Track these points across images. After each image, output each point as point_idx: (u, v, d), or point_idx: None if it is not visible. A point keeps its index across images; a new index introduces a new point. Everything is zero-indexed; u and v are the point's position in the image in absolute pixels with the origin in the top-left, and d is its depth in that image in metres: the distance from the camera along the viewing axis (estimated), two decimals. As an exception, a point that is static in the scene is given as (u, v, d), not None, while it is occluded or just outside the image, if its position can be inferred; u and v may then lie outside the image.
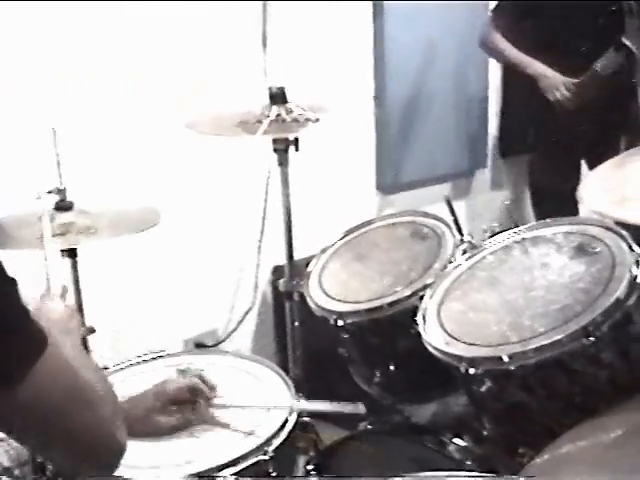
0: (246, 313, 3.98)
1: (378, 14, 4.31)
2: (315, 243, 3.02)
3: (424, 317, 2.33)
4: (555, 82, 4.08)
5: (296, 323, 3.13)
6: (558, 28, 4.11)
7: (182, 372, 2.32)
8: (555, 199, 3.99)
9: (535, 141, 4.38)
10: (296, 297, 3.04)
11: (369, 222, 3.01)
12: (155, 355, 2.51)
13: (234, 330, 3.95)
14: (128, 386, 2.25)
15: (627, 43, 3.79)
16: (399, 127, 4.50)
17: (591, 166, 4.01)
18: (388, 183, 4.52)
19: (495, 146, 5.16)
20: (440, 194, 4.67)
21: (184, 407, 2.10)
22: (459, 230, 2.71)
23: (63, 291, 1.87)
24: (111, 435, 1.30)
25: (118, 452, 1.31)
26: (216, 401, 2.15)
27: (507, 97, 4.84)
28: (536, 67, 4.17)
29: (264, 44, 3.78)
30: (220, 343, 3.90)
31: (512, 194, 5.26)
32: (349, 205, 4.20)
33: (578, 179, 4.01)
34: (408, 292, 2.52)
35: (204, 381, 2.14)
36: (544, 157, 4.40)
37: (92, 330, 2.10)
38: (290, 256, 3.07)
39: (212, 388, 2.14)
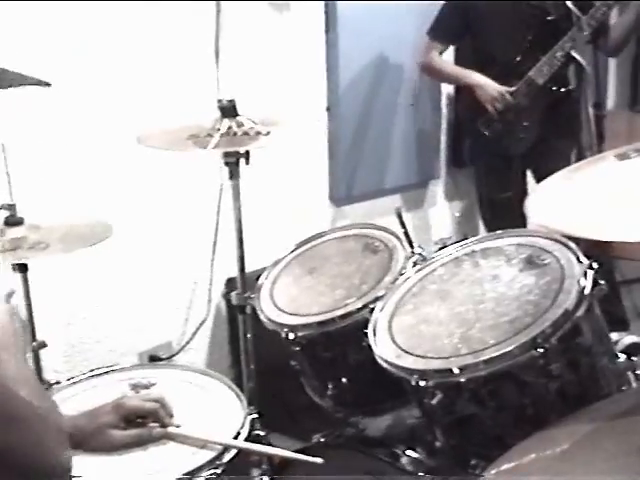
0: (200, 326, 3.97)
1: (331, 26, 4.31)
2: (269, 255, 3.02)
3: (375, 330, 2.34)
4: (492, 91, 4.14)
5: (249, 336, 3.11)
6: (495, 43, 4.18)
7: (135, 387, 2.31)
8: (502, 210, 4.05)
9: (482, 152, 4.41)
10: (248, 310, 3.02)
11: (320, 235, 3.01)
12: (108, 369, 2.49)
13: (188, 343, 3.93)
14: (81, 400, 2.24)
15: (576, 57, 3.83)
16: (352, 139, 4.51)
17: (538, 177, 4.06)
18: (341, 195, 4.52)
19: (448, 157, 5.17)
20: (393, 205, 4.71)
21: (140, 424, 2.08)
22: (410, 243, 2.72)
23: (8, 295, 1.84)
24: (50, 454, 1.27)
25: (60, 471, 1.29)
26: (172, 427, 2.12)
27: (459, 108, 4.86)
28: (473, 77, 4.25)
29: (216, 57, 3.77)
30: (174, 356, 3.88)
31: (465, 205, 5.29)
32: (302, 217, 4.20)
33: (525, 190, 4.06)
34: (359, 305, 2.52)
35: (163, 405, 2.12)
36: (490, 168, 4.43)
37: (43, 345, 2.09)
38: (242, 269, 3.05)
39: (170, 414, 2.12)
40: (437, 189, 5.21)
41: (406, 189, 4.94)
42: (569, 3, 3.72)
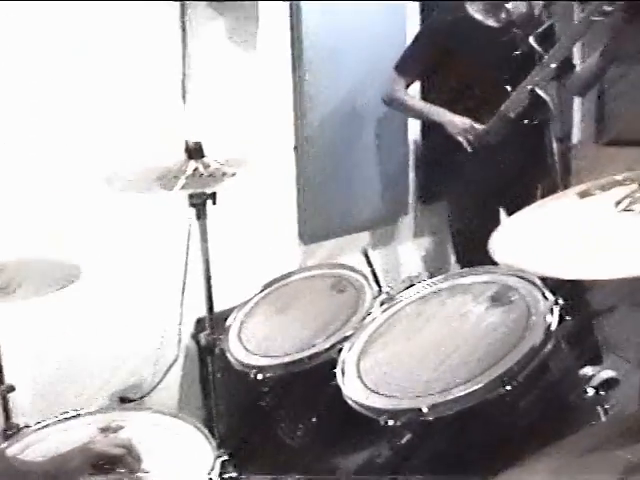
0: (170, 366, 3.95)
1: (297, 65, 4.33)
2: (240, 294, 3.02)
3: (343, 370, 2.34)
4: (463, 127, 4.14)
5: (219, 376, 3.10)
6: (464, 78, 4.19)
7: (104, 431, 2.30)
8: (475, 246, 4.02)
9: (454, 188, 4.42)
10: (218, 350, 3.02)
11: (288, 275, 3.03)
12: (77, 412, 2.48)
13: (159, 383, 3.91)
14: (50, 445, 2.22)
15: (540, 93, 3.86)
16: (320, 176, 4.51)
17: (509, 213, 4.08)
18: (310, 233, 4.52)
19: (417, 193, 5.19)
20: (363, 242, 4.74)
21: (108, 470, 2.06)
22: (377, 282, 2.73)
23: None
24: None
25: None
26: (140, 473, 2.11)
27: (428, 144, 4.87)
28: (442, 114, 4.24)
29: (183, 97, 3.78)
30: (145, 396, 3.86)
31: (435, 241, 5.31)
32: (272, 255, 4.20)
33: (497, 226, 4.05)
34: (327, 345, 2.53)
35: (131, 450, 2.10)
36: (463, 204, 4.44)
37: (12, 388, 2.07)
38: (210, 309, 3.05)
39: (138, 459, 2.10)
40: (406, 225, 5.23)
41: (375, 226, 4.95)
42: (531, 40, 3.75)
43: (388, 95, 4.40)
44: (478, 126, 4.10)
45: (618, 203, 1.90)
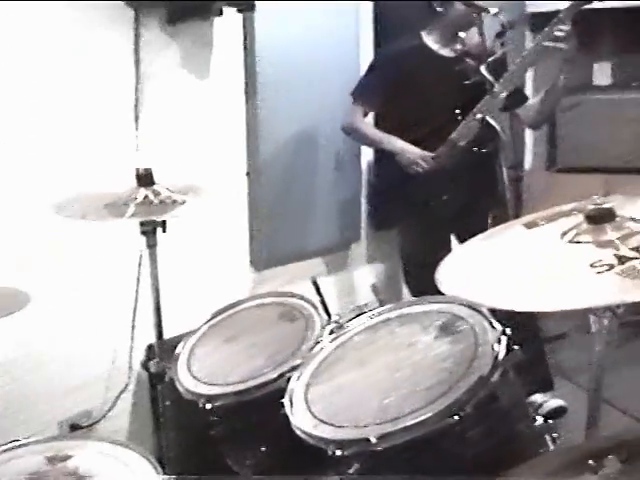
0: (120, 393, 3.92)
1: (251, 92, 4.34)
2: (192, 320, 3.01)
3: (291, 400, 2.33)
4: (414, 156, 4.16)
5: (168, 405, 3.09)
6: (417, 106, 4.23)
7: (52, 460, 2.28)
8: (425, 275, 4.02)
9: (405, 215, 4.44)
10: (167, 379, 3.00)
11: (237, 303, 3.02)
12: (24, 441, 2.45)
13: (109, 410, 3.88)
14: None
15: (491, 122, 3.89)
16: (273, 203, 4.51)
17: (461, 241, 4.09)
18: (262, 259, 4.51)
19: (370, 220, 5.20)
20: (316, 268, 4.74)
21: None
22: (327, 311, 2.73)
23: None
24: None
25: None
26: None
27: (380, 172, 4.87)
28: (394, 143, 4.27)
29: (136, 123, 3.77)
30: (95, 424, 3.83)
31: (388, 267, 5.32)
32: (224, 281, 4.19)
33: (447, 254, 4.07)
34: (275, 374, 2.53)
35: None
36: (414, 232, 4.46)
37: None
38: (160, 336, 3.04)
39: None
40: (359, 251, 5.24)
41: (328, 252, 4.95)
42: (483, 69, 3.78)
43: (346, 124, 4.42)
44: (428, 154, 4.12)
45: (564, 234, 1.92)
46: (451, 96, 4.18)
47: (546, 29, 3.92)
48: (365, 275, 5.20)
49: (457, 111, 4.12)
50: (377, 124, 4.50)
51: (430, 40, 4.30)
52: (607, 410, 2.81)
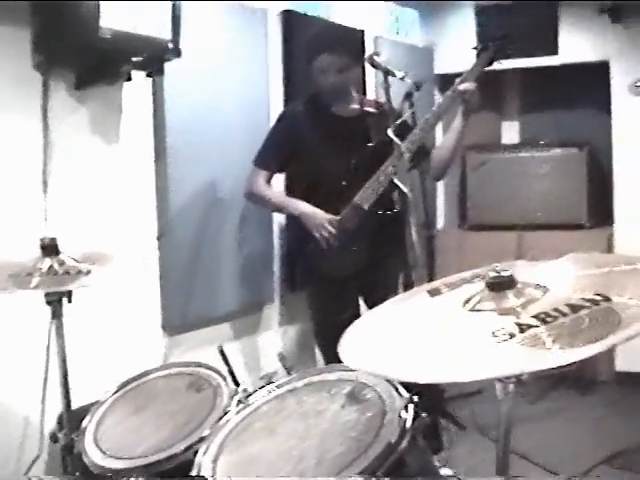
0: (32, 463, 3.84)
1: (160, 155, 4.33)
2: (103, 387, 2.98)
3: (199, 472, 2.30)
4: (318, 220, 4.18)
5: (78, 477, 3.03)
6: (320, 169, 4.26)
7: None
8: (335, 339, 3.99)
9: (313, 278, 4.44)
10: (76, 450, 2.95)
11: (145, 373, 2.98)
12: None
13: (21, 481, 3.81)
14: None
15: (399, 184, 3.92)
16: (184, 266, 4.49)
17: (370, 304, 4.10)
18: (174, 323, 4.47)
19: (282, 281, 5.20)
20: (229, 331, 4.72)
21: None
22: (234, 380, 2.71)
23: None
24: None
25: None
26: None
27: (289, 234, 4.86)
28: (296, 207, 4.29)
29: (44, 189, 3.73)
30: (6, 495, 3.75)
31: (300, 330, 5.33)
32: (135, 347, 4.14)
33: (357, 316, 4.07)
34: (183, 446, 2.50)
35: None
36: (322, 294, 4.47)
37: None
38: (68, 407, 2.99)
39: None
40: (271, 313, 5.23)
41: (240, 314, 4.94)
42: (390, 133, 3.81)
43: (247, 190, 4.43)
44: (332, 218, 4.15)
45: (467, 302, 1.93)
46: (353, 157, 4.22)
47: (448, 92, 4.01)
48: (278, 338, 5.19)
49: (360, 172, 4.16)
50: (286, 187, 4.52)
51: (328, 100, 4.32)
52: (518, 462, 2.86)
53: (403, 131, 3.93)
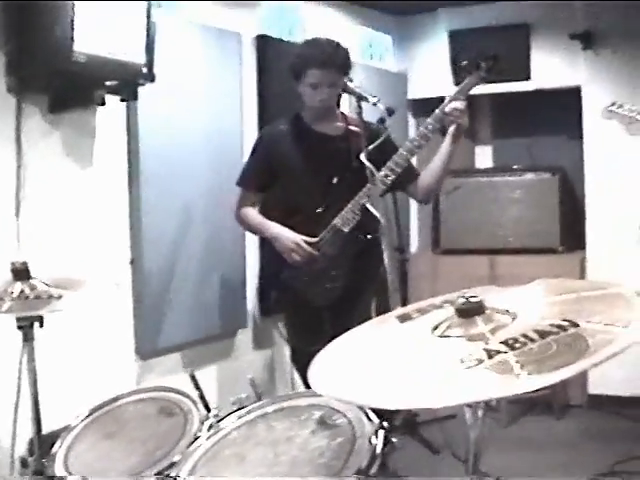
0: (2, 489, 3.82)
1: (134, 180, 4.33)
2: (76, 411, 2.97)
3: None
4: (287, 242, 4.16)
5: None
6: (299, 192, 4.26)
7: None
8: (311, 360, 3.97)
9: (289, 303, 4.42)
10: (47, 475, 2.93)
11: (115, 399, 2.97)
12: None
13: (-10, 508, 3.78)
14: None
15: (372, 210, 3.91)
16: (157, 290, 4.49)
17: (344, 328, 4.07)
18: (147, 348, 4.47)
19: (256, 306, 5.20)
20: (203, 355, 4.72)
21: None
22: (205, 405, 2.71)
23: None
24: None
25: None
26: None
27: (263, 259, 4.85)
28: (270, 229, 4.27)
29: (17, 214, 3.73)
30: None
31: (275, 354, 5.33)
32: (108, 371, 4.13)
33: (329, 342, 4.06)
34: (154, 472, 2.49)
35: None
36: (299, 319, 4.46)
37: None
38: (38, 432, 2.98)
39: None
40: (245, 338, 5.22)
41: (214, 339, 4.93)
42: (363, 158, 3.80)
43: (234, 212, 4.41)
44: (308, 240, 4.14)
45: (435, 328, 1.94)
46: (334, 177, 4.21)
47: (436, 111, 3.98)
48: (251, 363, 5.18)
49: (339, 196, 4.14)
50: (260, 207, 4.47)
51: (309, 119, 4.31)
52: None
53: (376, 156, 3.90)
